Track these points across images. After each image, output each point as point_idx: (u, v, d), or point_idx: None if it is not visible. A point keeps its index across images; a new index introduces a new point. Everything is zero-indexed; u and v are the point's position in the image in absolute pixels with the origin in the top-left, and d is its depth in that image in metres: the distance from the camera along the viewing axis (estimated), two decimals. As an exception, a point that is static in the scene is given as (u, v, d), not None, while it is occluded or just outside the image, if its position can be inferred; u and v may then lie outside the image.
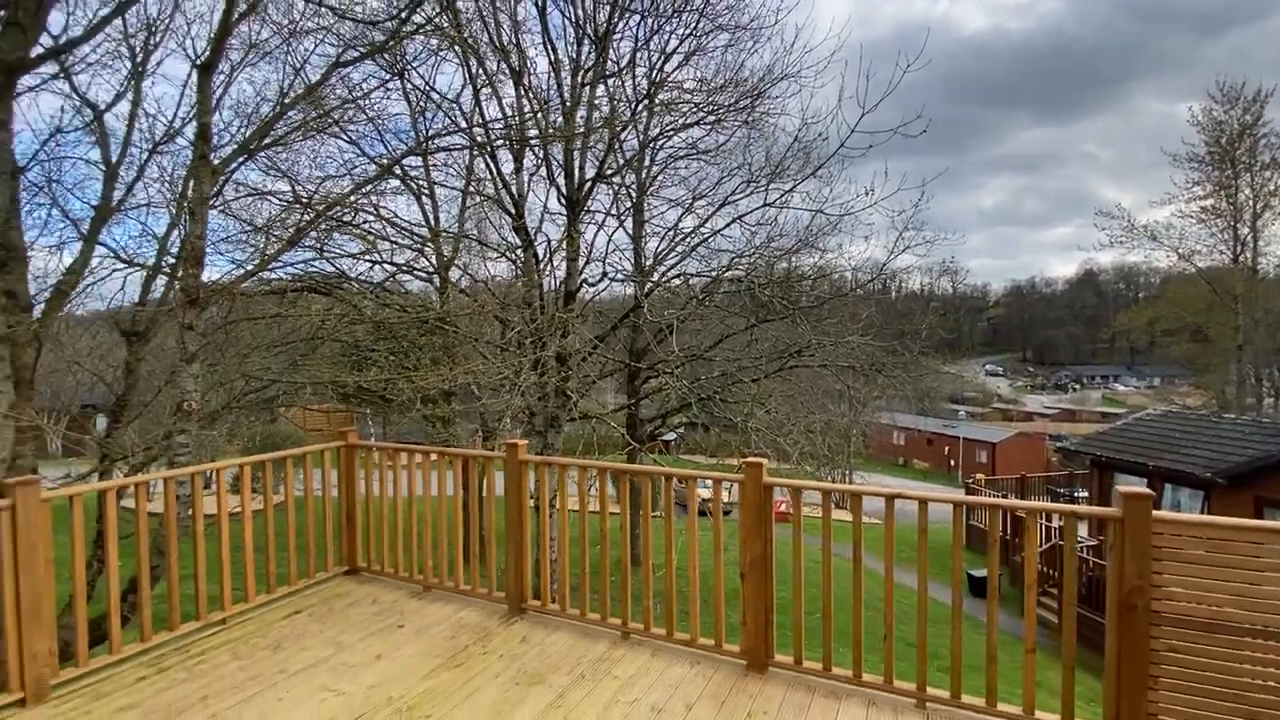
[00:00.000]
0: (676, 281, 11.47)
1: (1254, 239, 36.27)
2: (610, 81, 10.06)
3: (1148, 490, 2.82)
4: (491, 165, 9.87)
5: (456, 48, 8.28)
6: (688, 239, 11.70)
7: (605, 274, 10.09)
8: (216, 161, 5.22)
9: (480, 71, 9.40)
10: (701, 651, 3.85)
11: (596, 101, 9.87)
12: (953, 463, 46.88)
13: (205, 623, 4.12)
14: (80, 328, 10.10)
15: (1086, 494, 18.74)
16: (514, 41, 9.58)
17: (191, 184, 5.23)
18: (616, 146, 10.26)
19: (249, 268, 6.53)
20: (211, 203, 6.05)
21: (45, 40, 4.90)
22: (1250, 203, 36.05)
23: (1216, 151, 36.83)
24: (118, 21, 6.17)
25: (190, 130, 6.57)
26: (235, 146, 5.76)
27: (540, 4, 9.31)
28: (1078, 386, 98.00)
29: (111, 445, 5.81)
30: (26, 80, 5.24)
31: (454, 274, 11.58)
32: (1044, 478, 23.71)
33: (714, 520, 3.78)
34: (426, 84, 9.68)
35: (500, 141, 8.98)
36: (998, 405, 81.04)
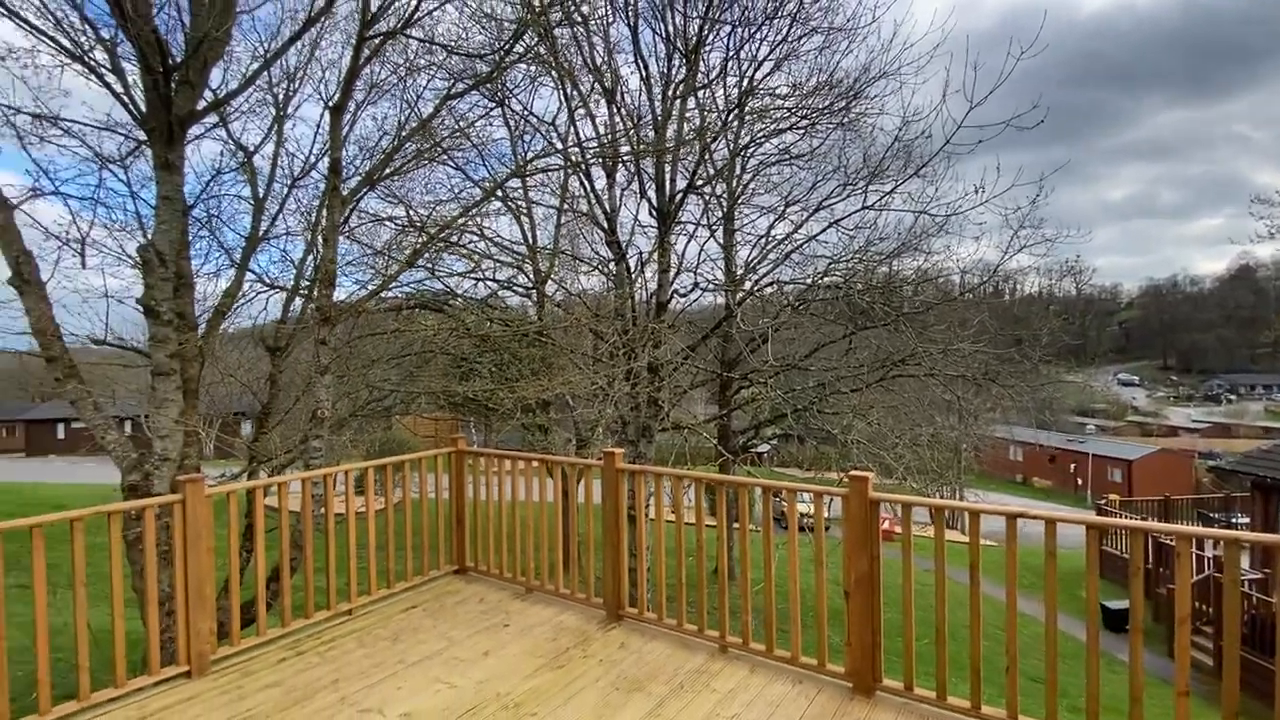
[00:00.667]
0: (770, 289, 11.28)
1: None
2: (700, 93, 10.12)
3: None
4: (585, 182, 10.20)
5: (553, 73, 8.66)
6: (780, 246, 11.49)
7: (696, 284, 10.10)
8: (345, 192, 5.77)
9: (575, 93, 9.77)
10: (803, 670, 3.74)
11: (688, 114, 9.96)
12: (1080, 482, 42.60)
13: (334, 612, 4.50)
14: (230, 344, 11.44)
15: (1248, 520, 16.39)
16: (607, 62, 9.88)
17: (324, 213, 5.81)
18: (707, 157, 10.28)
19: (372, 287, 7.16)
20: (342, 230, 6.71)
21: (206, 94, 5.62)
22: None
23: None
24: (264, 73, 6.99)
25: (323, 165, 7.32)
26: (360, 178, 6.35)
27: (632, 23, 9.56)
28: (1233, 397, 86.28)
29: (258, 449, 6.55)
30: (193, 130, 6.03)
31: (549, 288, 12.04)
32: (1193, 500, 21.04)
33: (815, 535, 3.67)
34: (525, 109, 10.19)
35: (594, 159, 9.28)
36: (1134, 419, 72.97)
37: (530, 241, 11.82)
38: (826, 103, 9.95)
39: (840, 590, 3.62)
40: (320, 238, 5.94)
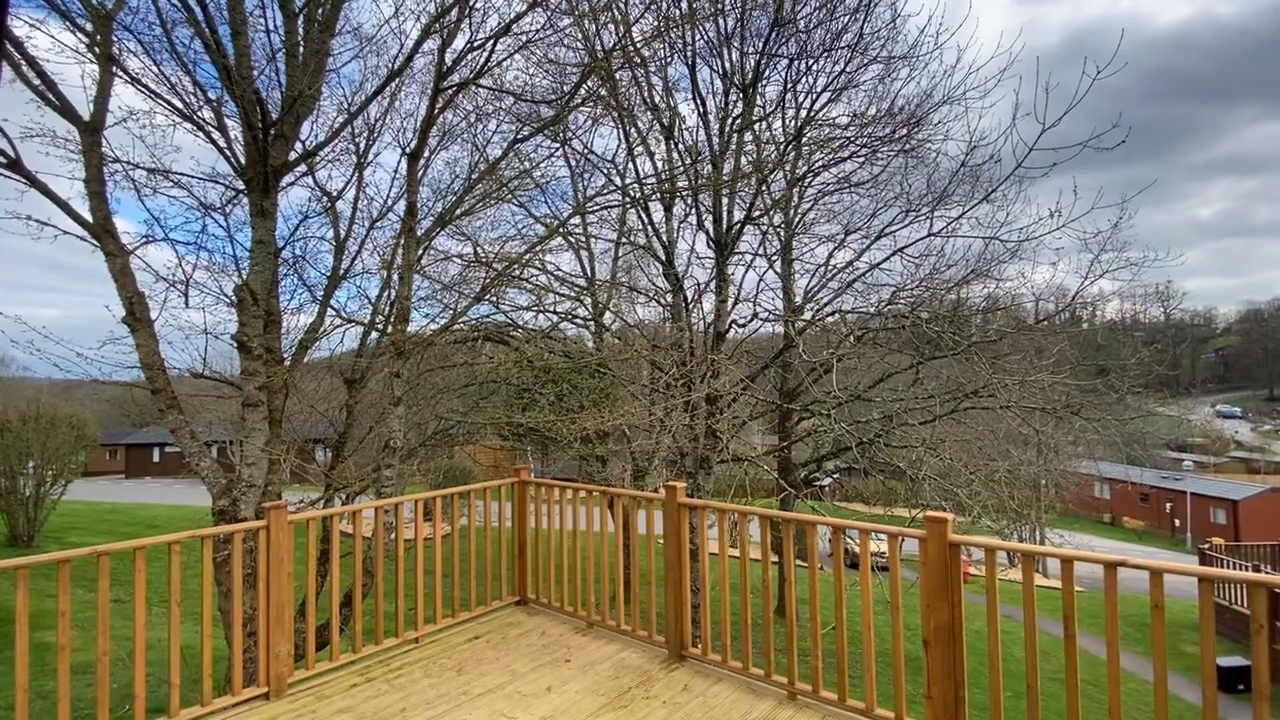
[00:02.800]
0: (832, 318, 11.07)
1: None
2: (758, 126, 10.19)
3: None
4: (643, 216, 10.37)
5: (614, 113, 8.93)
6: (841, 274, 11.29)
7: (755, 314, 10.02)
8: (419, 233, 6.08)
9: (634, 131, 10.02)
10: (879, 723, 3.53)
11: (745, 148, 10.04)
12: (1178, 523, 39.13)
13: (402, 640, 4.59)
14: (308, 374, 12.11)
15: (1385, 572, 14.55)
16: (665, 100, 10.11)
17: (400, 253, 6.14)
18: (765, 189, 10.29)
19: (442, 321, 7.47)
20: (416, 267, 7.08)
21: (297, 146, 6.09)
22: None
23: None
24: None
25: (399, 207, 7.77)
26: (433, 219, 6.69)
27: (691, 61, 9.76)
28: (1357, 432, 77.83)
29: (334, 476, 6.86)
30: (284, 178, 6.51)
31: (608, 319, 12.21)
32: (1315, 548, 18.88)
33: (891, 578, 3.50)
34: (585, 148, 10.51)
35: (653, 195, 9.45)
36: (1237, 454, 66.79)
37: (590, 274, 12.06)
38: (888, 131, 9.82)
39: (916, 637, 3.42)
40: (396, 276, 6.26)
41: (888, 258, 10.64)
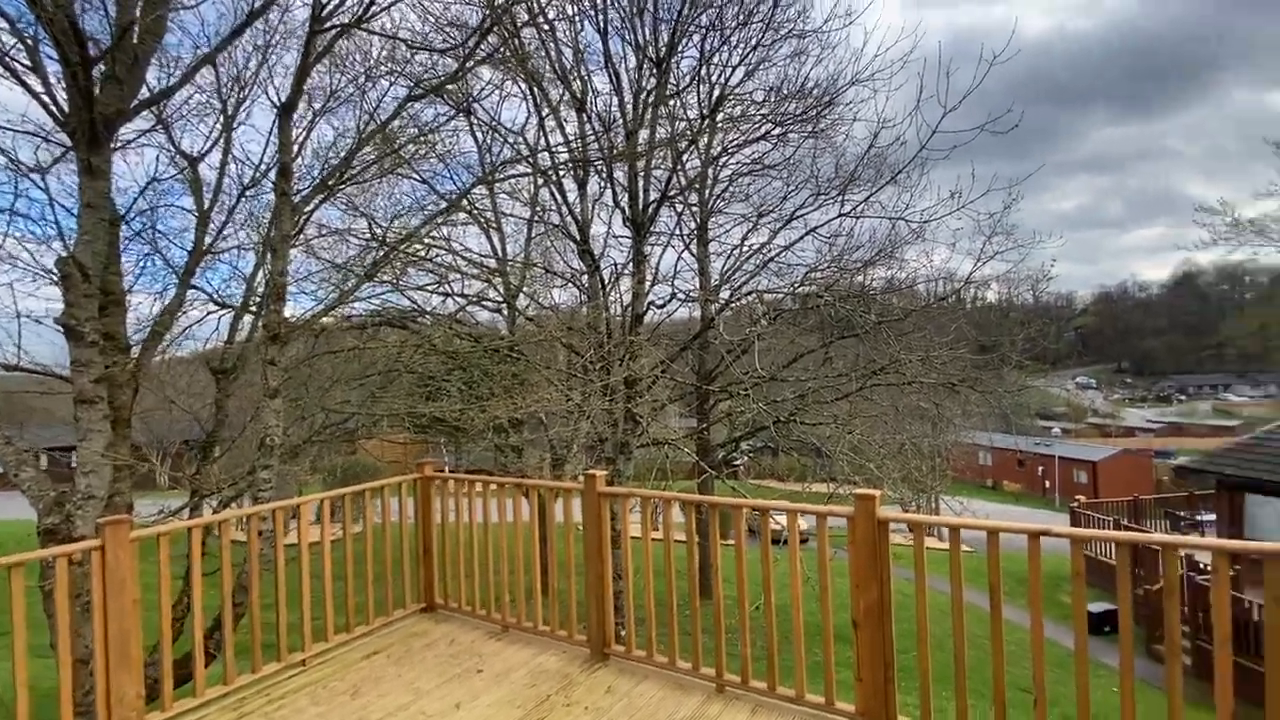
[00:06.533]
0: (748, 299, 11.10)
1: (1393, 227, 32.52)
2: (672, 102, 9.94)
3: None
4: (557, 194, 9.90)
5: (521, 80, 8.38)
6: (755, 256, 11.33)
7: (674, 295, 9.84)
8: (297, 200, 5.36)
9: (544, 102, 9.49)
10: (810, 710, 3.41)
11: (659, 123, 9.76)
12: (1048, 484, 43.47)
13: (286, 664, 4.01)
14: (181, 368, 10.74)
15: (1214, 517, 16.70)
16: (576, 70, 9.63)
17: (274, 222, 5.37)
18: (679, 167, 10.09)
19: (327, 303, 6.68)
20: (294, 241, 6.26)
21: (144, 95, 5.16)
22: (1385, 187, 32.39)
23: (1338, 134, 33.44)
24: (211, 76, 6.53)
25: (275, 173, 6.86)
26: (315, 184, 5.92)
27: (602, 29, 9.33)
28: (1182, 398, 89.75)
29: (201, 481, 5.99)
30: (128, 135, 5.53)
31: (521, 302, 11.66)
32: (1161, 501, 21.45)
33: (820, 561, 3.37)
34: (492, 118, 9.87)
35: (564, 166, 8.99)
36: (1093, 421, 75.16)
37: (501, 255, 11.44)
38: (800, 110, 9.87)
39: (841, 616, 3.32)
40: (270, 248, 5.48)
41: (800, 238, 10.79)
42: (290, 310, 6.47)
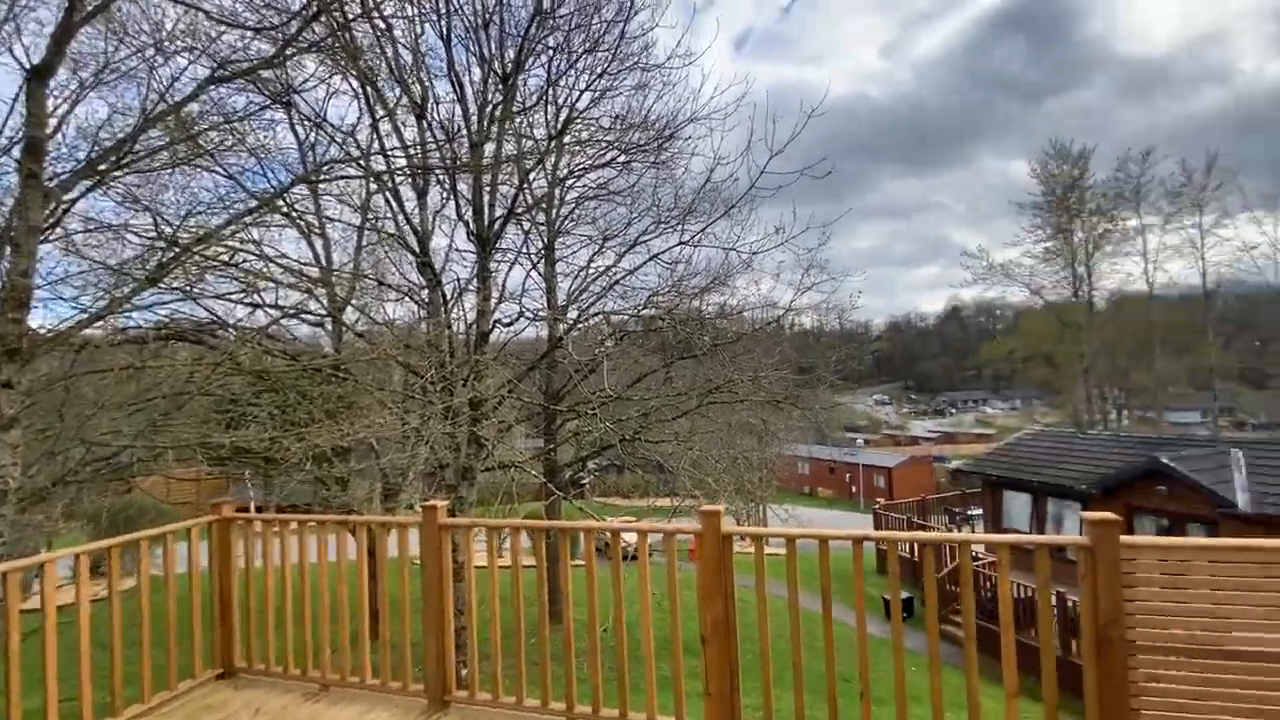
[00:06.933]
0: (596, 320, 11.21)
1: (1089, 275, 41.91)
2: (519, 119, 9.81)
3: (1113, 516, 2.77)
4: (393, 201, 9.24)
5: (353, 77, 7.72)
6: (601, 278, 11.53)
7: (521, 313, 9.61)
8: (52, 184, 4.35)
9: (378, 103, 8.84)
10: (661, 731, 3.40)
11: (506, 139, 9.56)
12: (854, 489, 49.09)
13: (17, 771, 3.14)
14: None
15: (981, 511, 20.01)
16: (415, 75, 9.12)
17: (16, 210, 4.29)
18: (526, 186, 9.96)
19: (93, 311, 5.47)
20: (45, 235, 5.04)
21: None
22: (1084, 244, 41.75)
23: (1053, 200, 42.57)
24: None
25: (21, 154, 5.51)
26: (79, 167, 4.83)
27: (445, 36, 8.95)
28: (953, 411, 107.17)
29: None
30: None
31: (349, 316, 10.65)
32: (940, 499, 25.19)
33: (669, 579, 3.40)
34: (317, 114, 8.98)
35: (401, 173, 8.41)
36: (887, 432, 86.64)
37: (325, 263, 10.37)
38: (644, 140, 10.26)
39: (689, 627, 3.38)
40: (10, 243, 4.38)
41: (644, 264, 11.17)
42: (40, 319, 5.24)
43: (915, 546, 17.32)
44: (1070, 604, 11.49)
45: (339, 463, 9.49)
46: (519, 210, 10.29)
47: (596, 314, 11.23)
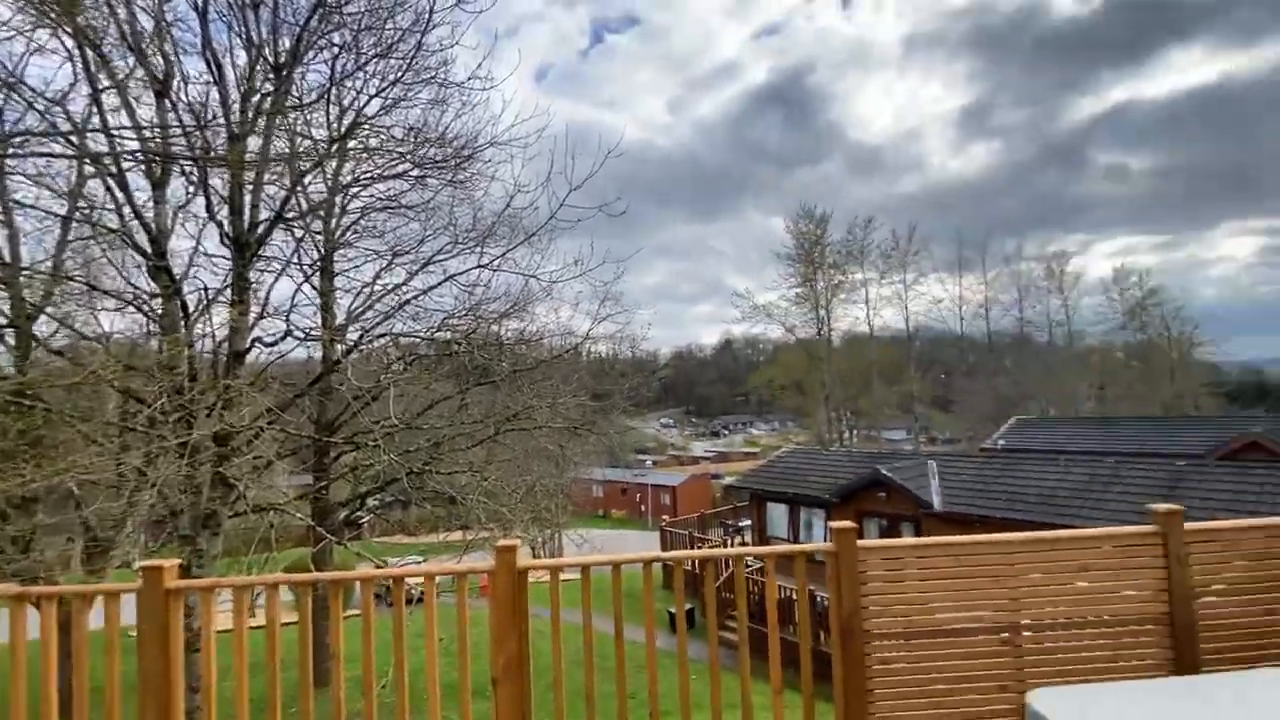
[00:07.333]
0: (381, 342, 10.33)
1: (828, 317, 50.34)
2: (294, 116, 8.79)
3: (852, 524, 3.30)
4: (118, 190, 7.59)
5: (67, 34, 6.23)
6: (389, 296, 10.71)
7: (289, 331, 8.43)
8: None
9: (103, 70, 7.26)
10: (447, 790, 3.17)
11: (276, 134, 8.48)
12: (643, 508, 51.66)
13: None
14: None
15: (750, 522, 22.41)
16: (156, 44, 7.68)
17: None
18: (301, 189, 8.92)
19: None
20: None
21: None
22: (824, 292, 50.11)
23: (802, 253, 50.53)
24: None
25: None
26: None
27: (200, 8, 7.71)
28: (727, 432, 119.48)
29: None
30: None
31: (44, 328, 8.40)
32: (715, 514, 27.65)
33: (460, 623, 3.22)
34: (10, 72, 7.06)
35: (131, 157, 6.97)
36: (672, 453, 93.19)
37: (9, 258, 8.10)
38: (441, 157, 9.87)
39: (478, 665, 3.24)
40: None
41: (439, 284, 10.64)
42: None
43: (696, 561, 18.73)
44: (820, 599, 13.35)
45: (20, 516, 7.31)
46: (290, 215, 9.15)
47: (383, 335, 10.37)
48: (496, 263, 10.05)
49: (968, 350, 57.10)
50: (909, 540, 3.41)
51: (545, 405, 10.77)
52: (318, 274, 10.98)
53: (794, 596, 13.51)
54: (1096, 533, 3.38)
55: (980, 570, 3.27)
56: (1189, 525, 3.31)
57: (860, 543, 3.28)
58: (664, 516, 30.34)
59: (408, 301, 10.35)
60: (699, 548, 19.50)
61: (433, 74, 9.29)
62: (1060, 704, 2.38)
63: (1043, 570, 3.28)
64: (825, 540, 3.38)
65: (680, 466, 75.67)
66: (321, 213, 11.03)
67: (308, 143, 9.36)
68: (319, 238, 10.79)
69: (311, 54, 8.67)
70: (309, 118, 9.50)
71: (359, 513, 11.42)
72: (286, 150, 9.09)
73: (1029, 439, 24.12)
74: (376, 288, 10.59)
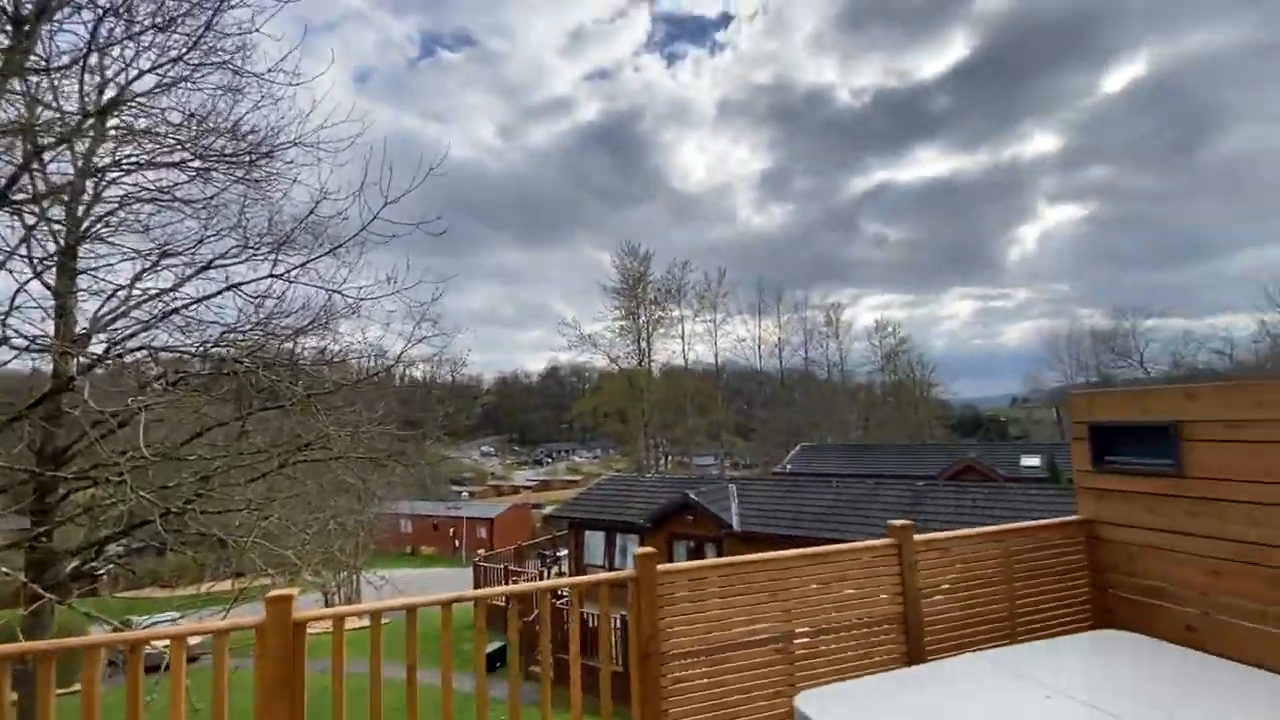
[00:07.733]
0: (137, 355, 8.69)
1: (649, 349, 53.15)
2: (37, 78, 7.24)
3: (653, 549, 3.50)
4: None
5: None
6: (152, 303, 9.06)
7: (4, 339, 6.71)
8: None
9: None
10: None
11: (9, 97, 6.91)
12: (457, 543, 48.95)
13: None
14: None
15: (567, 552, 22.35)
16: None
17: None
18: (38, 165, 7.30)
19: None
20: None
21: None
22: (646, 325, 52.93)
23: (626, 288, 52.96)
24: None
25: None
26: None
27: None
28: (550, 460, 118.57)
29: None
30: None
31: None
32: (533, 544, 27.17)
33: (216, 683, 2.79)
34: None
35: None
36: (492, 483, 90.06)
37: None
38: (230, 150, 8.74)
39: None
40: None
41: (220, 292, 9.25)
42: None
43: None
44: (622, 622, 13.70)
45: None
46: (18, 196, 7.43)
47: (140, 348, 8.74)
48: (294, 273, 9.08)
49: (765, 384, 63.96)
50: (710, 561, 3.71)
51: (345, 433, 9.84)
52: (55, 270, 8.96)
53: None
54: (856, 546, 3.96)
55: (762, 585, 3.65)
56: (918, 537, 4.02)
57: (662, 566, 3.49)
58: (480, 551, 29.08)
59: (176, 310, 8.87)
60: (513, 582, 18.98)
61: (226, 58, 8.28)
62: (822, 703, 2.72)
63: (815, 581, 3.76)
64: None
65: (500, 497, 73.36)
66: (65, 197, 9.08)
67: (51, 114, 7.74)
68: (59, 228, 8.85)
69: (67, 11, 7.25)
70: (57, 85, 7.88)
71: (94, 563, 9.30)
72: (21, 117, 7.42)
73: (811, 463, 27.42)
74: (135, 292, 8.92)
